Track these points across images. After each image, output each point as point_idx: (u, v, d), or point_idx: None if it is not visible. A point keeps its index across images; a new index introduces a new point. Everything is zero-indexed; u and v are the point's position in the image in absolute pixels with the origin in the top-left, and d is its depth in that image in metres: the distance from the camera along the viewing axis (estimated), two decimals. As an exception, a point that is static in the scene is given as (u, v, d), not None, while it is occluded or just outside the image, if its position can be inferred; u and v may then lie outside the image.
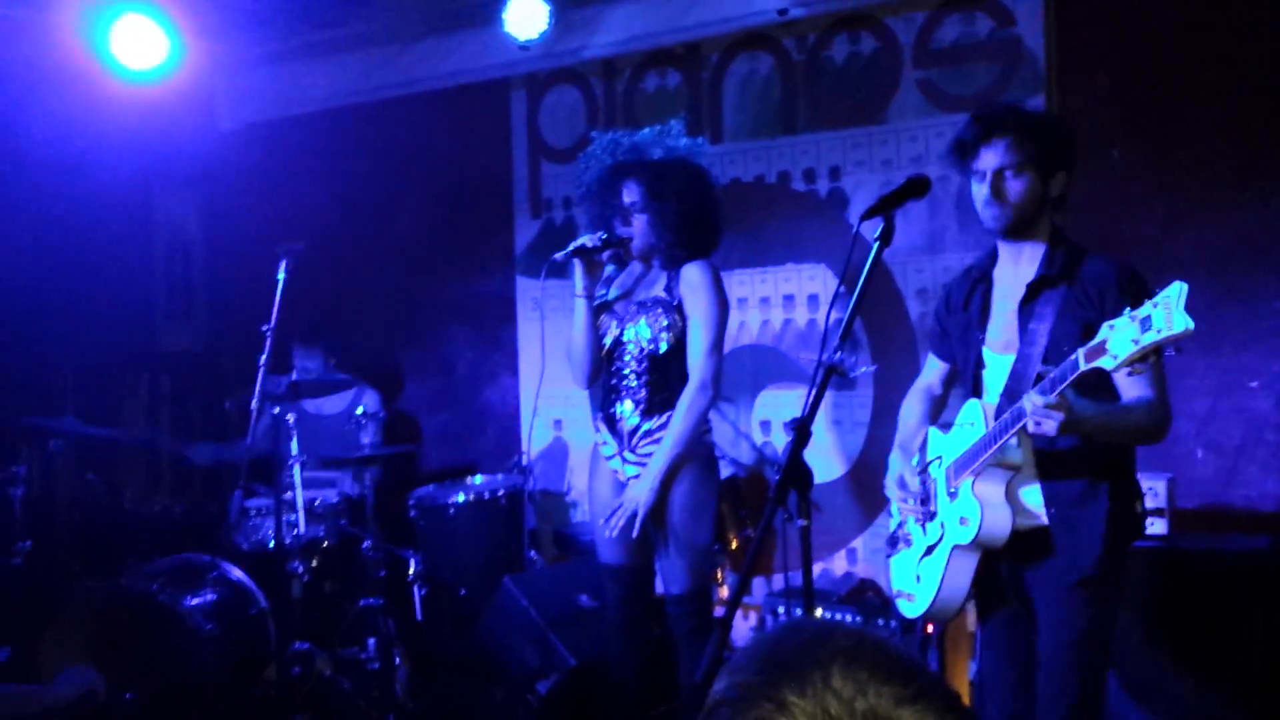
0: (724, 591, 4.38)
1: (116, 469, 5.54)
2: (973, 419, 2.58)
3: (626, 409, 3.38)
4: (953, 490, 2.59)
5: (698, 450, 3.34)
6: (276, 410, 4.30)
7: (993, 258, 2.72)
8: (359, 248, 5.79)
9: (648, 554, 3.41)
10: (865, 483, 4.54)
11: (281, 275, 4.22)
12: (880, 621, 3.86)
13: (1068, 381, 2.24)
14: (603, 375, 3.50)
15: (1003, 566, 2.60)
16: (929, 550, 2.64)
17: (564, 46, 4.85)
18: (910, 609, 2.71)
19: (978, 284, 2.72)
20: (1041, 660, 2.56)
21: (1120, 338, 2.10)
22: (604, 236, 3.36)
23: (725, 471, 4.37)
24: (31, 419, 4.62)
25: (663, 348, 3.32)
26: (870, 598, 4.09)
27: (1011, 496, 2.50)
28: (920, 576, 2.66)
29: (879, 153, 4.48)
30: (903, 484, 2.78)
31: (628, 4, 4.77)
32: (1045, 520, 2.51)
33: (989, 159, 2.56)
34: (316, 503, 4.60)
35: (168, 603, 3.86)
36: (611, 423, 3.43)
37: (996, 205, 2.57)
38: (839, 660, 0.97)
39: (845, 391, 4.53)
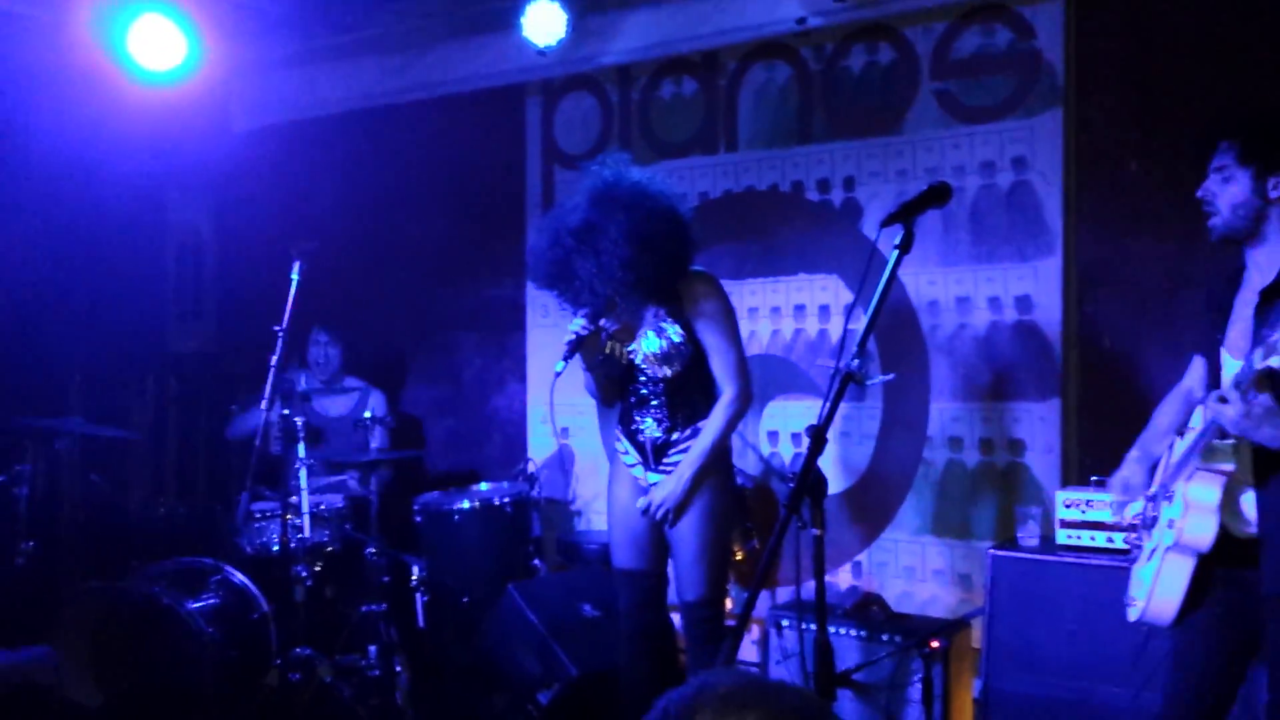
0: (727, 603, 4.33)
1: (121, 470, 5.53)
2: (1196, 424, 2.57)
3: (649, 425, 3.39)
4: (1169, 494, 2.57)
5: (720, 457, 3.35)
6: (285, 412, 4.28)
7: (1244, 261, 2.65)
8: (371, 251, 5.79)
9: (663, 560, 3.41)
10: (872, 495, 4.50)
11: (295, 276, 4.20)
12: (885, 636, 3.80)
13: (1249, 379, 2.25)
14: (622, 392, 3.48)
15: (1218, 572, 2.52)
16: (1150, 555, 2.62)
17: (580, 53, 4.84)
18: (1132, 613, 2.67)
19: (1227, 286, 2.66)
20: (1269, 678, 2.50)
21: None
22: (589, 314, 3.28)
23: (733, 483, 4.35)
24: (36, 419, 4.61)
25: (674, 370, 3.33)
26: (875, 612, 4.03)
27: (1228, 502, 2.44)
28: (1143, 580, 2.63)
29: (894, 163, 4.45)
30: (1126, 487, 2.75)
31: (645, 11, 4.76)
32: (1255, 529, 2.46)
33: (1210, 163, 2.55)
34: (321, 506, 4.58)
35: (170, 606, 3.84)
36: (633, 437, 3.43)
37: (1207, 213, 2.55)
38: (710, 707, 1.03)
39: (854, 403, 4.49)
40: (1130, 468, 2.77)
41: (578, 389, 3.58)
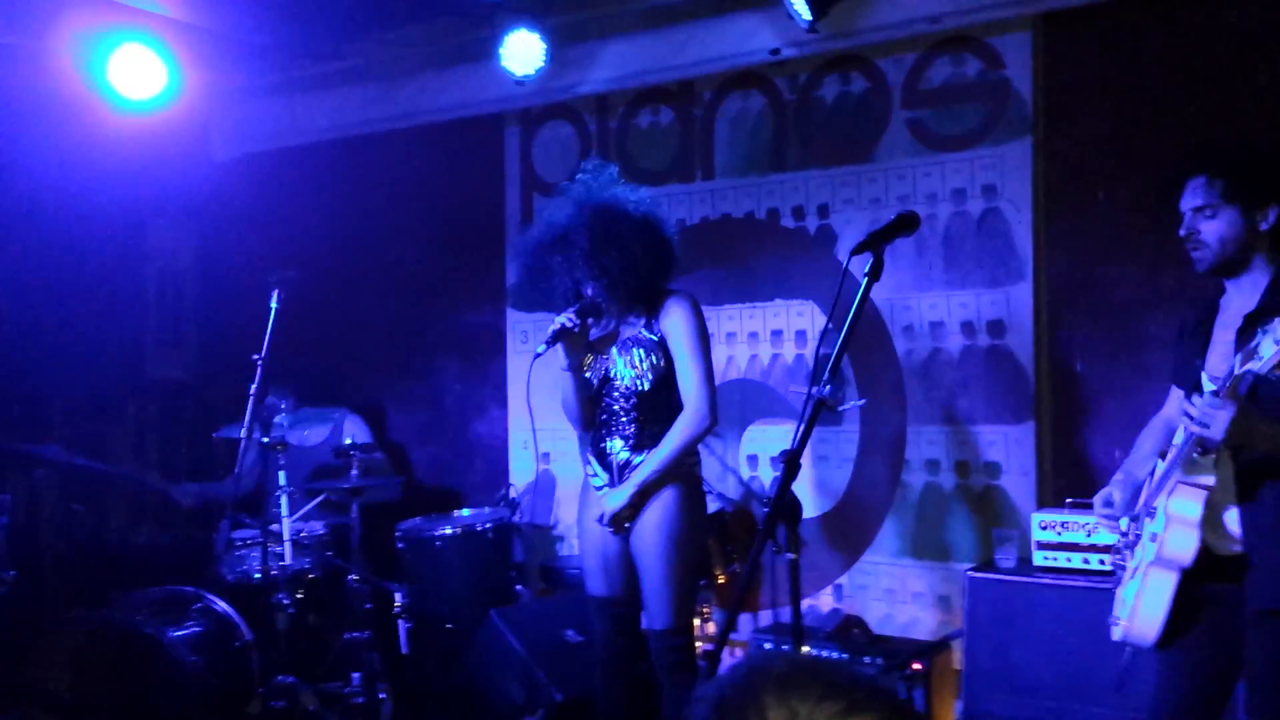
0: (710, 628, 4.36)
1: (102, 499, 5.50)
2: (1178, 441, 2.59)
3: (616, 445, 3.40)
4: (1151, 510, 2.60)
5: (684, 481, 3.35)
6: (264, 441, 4.29)
7: (1220, 288, 2.69)
8: (351, 279, 5.81)
9: (635, 586, 3.40)
10: (852, 519, 4.54)
11: (274, 304, 4.22)
12: (866, 660, 3.85)
13: (1226, 384, 2.30)
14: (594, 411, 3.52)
15: (1207, 588, 2.54)
16: (1134, 573, 2.65)
17: (559, 82, 4.90)
18: (1116, 632, 2.69)
19: (1204, 313, 2.70)
20: (1247, 694, 2.53)
21: (1268, 340, 2.20)
22: (577, 309, 3.31)
23: (712, 506, 4.37)
24: (15, 445, 4.60)
25: (646, 385, 3.35)
26: (856, 634, 4.07)
27: (1209, 517, 2.48)
28: (1125, 599, 2.66)
29: (867, 191, 4.53)
30: (1108, 501, 2.78)
31: (622, 41, 4.82)
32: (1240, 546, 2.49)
33: (1185, 200, 2.57)
34: (302, 534, 4.58)
35: (152, 635, 3.79)
36: (602, 457, 3.45)
37: (1193, 248, 2.57)
38: (771, 690, 1.02)
39: (832, 427, 4.55)
40: (1114, 486, 2.81)
41: (558, 413, 3.61)
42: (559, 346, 3.32)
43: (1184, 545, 2.48)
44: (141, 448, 5.94)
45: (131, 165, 5.38)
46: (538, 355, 3.30)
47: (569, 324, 3.27)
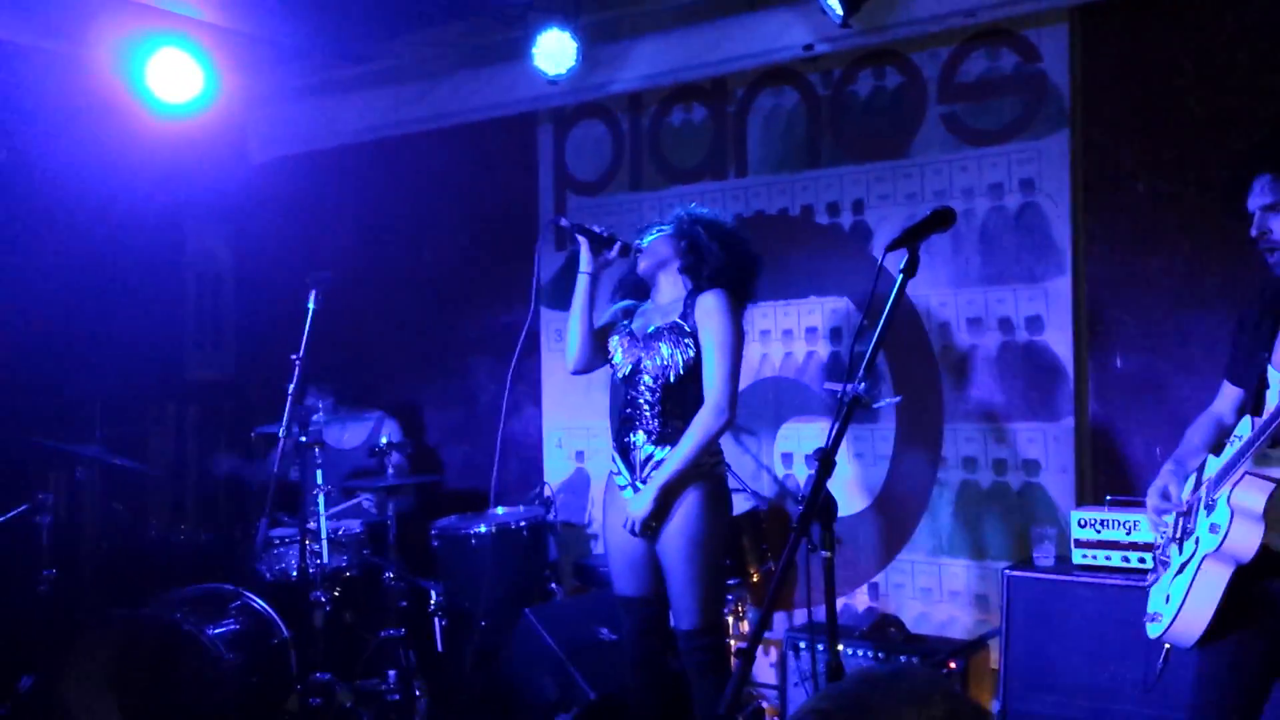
0: (745, 626, 4.34)
1: (142, 498, 5.58)
2: (1242, 433, 2.53)
3: (640, 439, 3.40)
4: (1211, 501, 2.53)
5: (707, 481, 3.32)
6: (303, 439, 4.33)
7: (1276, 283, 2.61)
8: (386, 279, 5.85)
9: (662, 587, 3.39)
10: (888, 516, 4.51)
11: (311, 305, 4.25)
12: (902, 658, 3.82)
13: None
14: (620, 404, 3.53)
15: (1261, 585, 2.46)
16: (1181, 568, 2.58)
17: (591, 81, 4.90)
18: (1154, 629, 2.63)
19: (1271, 305, 2.61)
20: None
21: None
22: (613, 233, 3.57)
23: (747, 504, 4.37)
24: (57, 445, 4.66)
25: (674, 376, 3.35)
26: (892, 633, 4.04)
27: (1272, 512, 2.41)
28: (1169, 595, 2.59)
29: (903, 186, 4.49)
30: (1165, 494, 2.71)
31: (654, 39, 4.82)
32: None
33: (1252, 200, 2.53)
34: (340, 532, 4.62)
35: (191, 632, 3.88)
36: (626, 452, 3.44)
37: (1267, 249, 2.51)
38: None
39: (867, 424, 4.51)
40: (1167, 477, 2.73)
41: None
42: (583, 244, 3.55)
43: (1248, 539, 2.40)
44: (182, 447, 6.02)
45: (169, 168, 5.45)
46: (558, 222, 3.86)
47: (599, 229, 3.56)
